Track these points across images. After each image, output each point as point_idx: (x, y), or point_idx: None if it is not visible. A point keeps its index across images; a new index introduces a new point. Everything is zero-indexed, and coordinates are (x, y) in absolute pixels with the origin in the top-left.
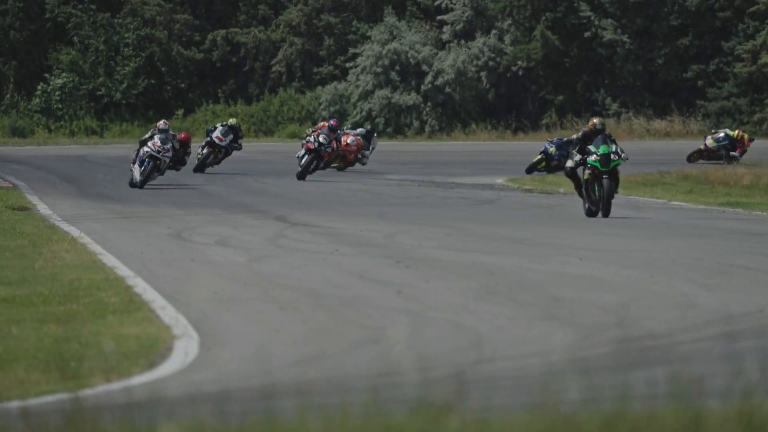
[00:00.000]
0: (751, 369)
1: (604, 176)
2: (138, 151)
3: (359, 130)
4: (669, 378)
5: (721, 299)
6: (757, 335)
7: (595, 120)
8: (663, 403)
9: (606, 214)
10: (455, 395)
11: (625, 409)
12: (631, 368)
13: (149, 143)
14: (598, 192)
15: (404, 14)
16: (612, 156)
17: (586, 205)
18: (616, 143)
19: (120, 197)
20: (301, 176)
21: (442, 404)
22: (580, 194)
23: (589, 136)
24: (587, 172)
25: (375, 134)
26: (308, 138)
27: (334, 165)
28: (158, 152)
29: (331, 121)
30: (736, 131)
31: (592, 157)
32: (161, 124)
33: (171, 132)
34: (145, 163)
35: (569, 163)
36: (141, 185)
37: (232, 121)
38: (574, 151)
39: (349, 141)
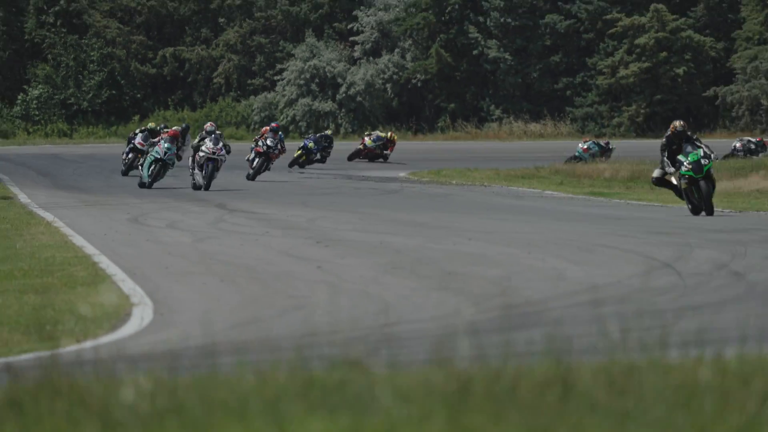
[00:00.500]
0: (612, 330)
1: (700, 180)
2: (193, 157)
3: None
4: (544, 338)
5: (586, 272)
6: (617, 302)
7: (677, 123)
8: (539, 359)
9: (710, 213)
10: (366, 353)
11: (507, 363)
12: (512, 330)
13: (203, 148)
14: (698, 195)
15: (322, 36)
16: (702, 161)
17: (689, 206)
18: (701, 143)
19: (87, 188)
20: (252, 177)
21: (355, 360)
22: (680, 197)
23: (672, 140)
24: (683, 181)
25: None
26: (258, 142)
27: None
28: (214, 153)
29: (273, 124)
30: (389, 133)
31: (685, 167)
32: (208, 126)
33: (219, 132)
34: (205, 167)
35: (656, 173)
36: (207, 187)
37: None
38: (666, 160)
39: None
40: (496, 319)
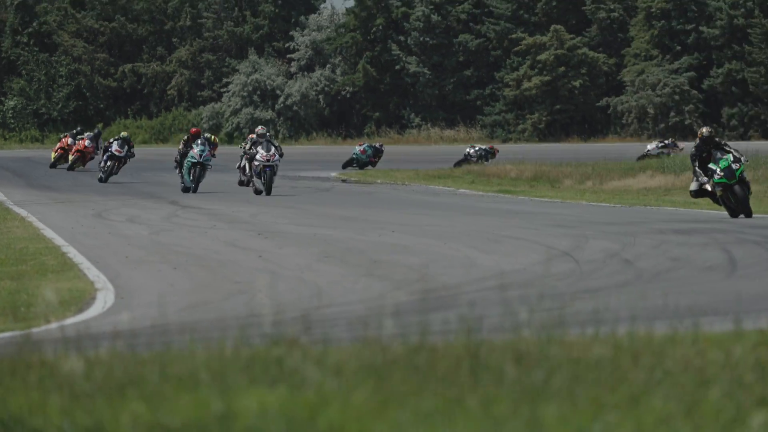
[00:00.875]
0: (518, 310)
1: (734, 185)
2: (249, 166)
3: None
4: (458, 318)
5: (495, 260)
6: (521, 286)
7: (704, 130)
8: (453, 337)
9: (749, 215)
10: (301, 331)
11: (425, 341)
12: (430, 311)
13: (258, 156)
14: (734, 200)
15: (263, 53)
16: (733, 166)
17: (728, 211)
18: (730, 148)
19: (57, 188)
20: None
21: (292, 338)
22: (717, 203)
23: (701, 147)
24: (718, 189)
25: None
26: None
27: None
28: (268, 161)
29: (259, 127)
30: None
31: (717, 175)
32: (259, 129)
33: (269, 134)
34: (263, 174)
35: (693, 186)
36: (268, 192)
37: (123, 134)
38: (699, 170)
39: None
40: (416, 302)
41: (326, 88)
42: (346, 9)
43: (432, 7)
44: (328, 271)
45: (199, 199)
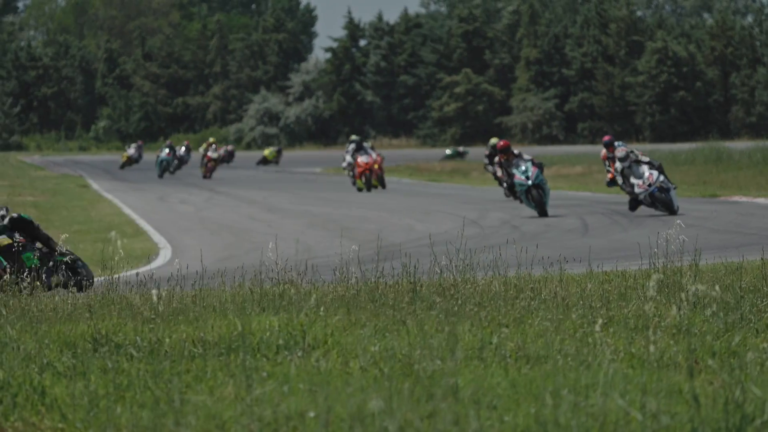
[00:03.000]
0: (442, 260)
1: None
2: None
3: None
4: (401, 265)
5: (426, 226)
6: (444, 244)
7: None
8: (399, 278)
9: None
10: (297, 276)
11: (379, 280)
12: (382, 261)
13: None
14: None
15: (270, 88)
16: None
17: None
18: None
19: (132, 179)
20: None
21: (290, 280)
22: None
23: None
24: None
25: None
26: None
27: None
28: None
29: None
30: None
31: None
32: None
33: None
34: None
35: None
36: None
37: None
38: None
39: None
40: (373, 254)
41: (312, 112)
42: (326, 60)
43: (382, 57)
44: (315, 234)
45: (228, 187)
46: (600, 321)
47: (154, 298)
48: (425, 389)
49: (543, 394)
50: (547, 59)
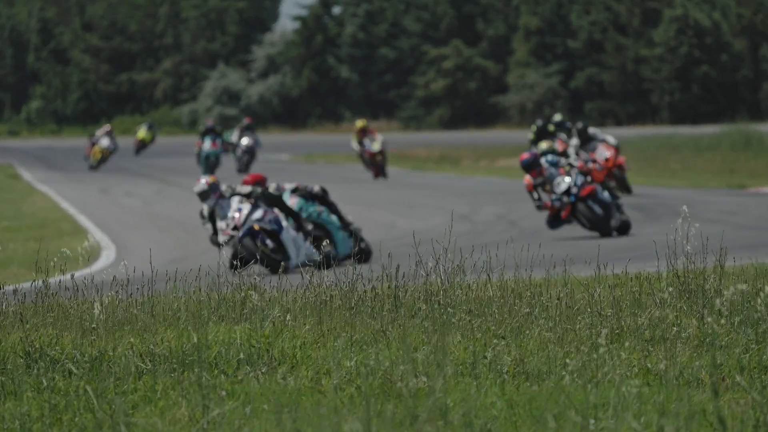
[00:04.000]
0: (427, 261)
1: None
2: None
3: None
4: (382, 267)
5: (410, 223)
6: (430, 242)
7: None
8: (378, 282)
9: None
10: (260, 279)
11: (355, 284)
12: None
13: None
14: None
15: (229, 63)
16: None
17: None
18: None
19: (70, 169)
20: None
21: (252, 284)
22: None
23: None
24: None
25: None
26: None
27: None
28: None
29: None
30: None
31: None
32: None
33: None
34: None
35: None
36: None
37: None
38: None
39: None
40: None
41: (279, 91)
42: (294, 30)
43: (359, 26)
44: None
45: (181, 176)
46: (605, 331)
47: (96, 307)
48: (409, 410)
49: (545, 415)
50: (550, 29)
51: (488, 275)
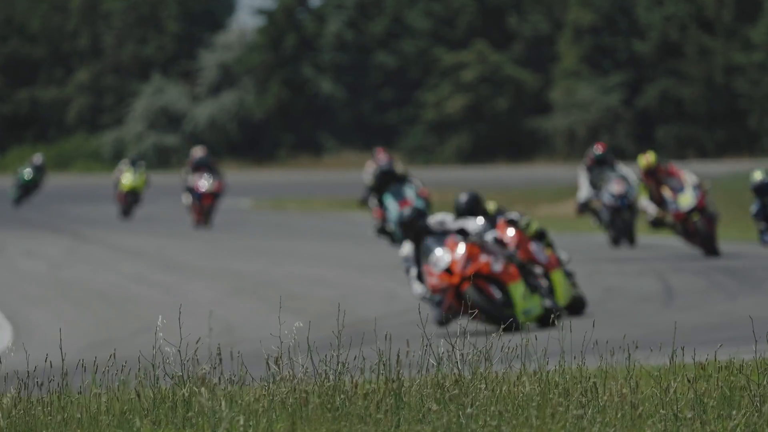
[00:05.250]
0: (440, 344)
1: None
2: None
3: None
4: (376, 354)
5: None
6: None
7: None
8: (372, 373)
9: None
10: (211, 370)
11: (342, 378)
12: (346, 347)
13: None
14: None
15: (168, 74)
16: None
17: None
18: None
19: None
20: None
21: (201, 377)
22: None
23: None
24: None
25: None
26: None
27: None
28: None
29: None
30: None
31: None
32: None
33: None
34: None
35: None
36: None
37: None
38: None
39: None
40: (332, 337)
41: (236, 112)
42: (256, 29)
43: (346, 24)
44: (239, 306)
45: (100, 230)
46: None
47: None
48: None
49: None
50: (609, 26)
51: (523, 364)
